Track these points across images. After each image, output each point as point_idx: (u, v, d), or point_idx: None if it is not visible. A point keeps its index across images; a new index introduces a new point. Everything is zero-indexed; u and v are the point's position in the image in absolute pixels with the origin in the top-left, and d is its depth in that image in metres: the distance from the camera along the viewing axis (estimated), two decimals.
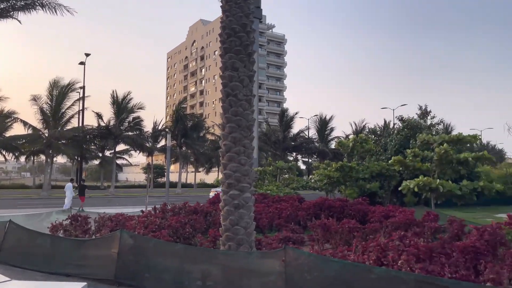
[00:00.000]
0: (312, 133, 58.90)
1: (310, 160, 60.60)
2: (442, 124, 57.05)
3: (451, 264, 5.88)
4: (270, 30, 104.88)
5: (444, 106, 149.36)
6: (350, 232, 9.60)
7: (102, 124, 43.60)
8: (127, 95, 43.52)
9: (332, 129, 57.94)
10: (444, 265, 5.76)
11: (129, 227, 9.43)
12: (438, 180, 18.30)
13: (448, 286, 4.74)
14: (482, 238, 7.12)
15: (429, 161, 20.59)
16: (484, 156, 19.03)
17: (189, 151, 52.02)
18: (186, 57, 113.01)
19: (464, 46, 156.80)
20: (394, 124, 41.25)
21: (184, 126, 47.83)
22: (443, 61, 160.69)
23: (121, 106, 42.94)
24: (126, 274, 7.31)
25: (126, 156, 51.74)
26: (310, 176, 36.82)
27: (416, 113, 34.76)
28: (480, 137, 21.51)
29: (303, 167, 65.14)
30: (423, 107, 35.85)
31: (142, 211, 12.37)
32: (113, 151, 45.36)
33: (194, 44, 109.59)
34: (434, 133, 28.92)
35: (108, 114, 47.93)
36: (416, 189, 18.58)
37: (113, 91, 43.85)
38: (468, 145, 27.78)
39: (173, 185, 50.74)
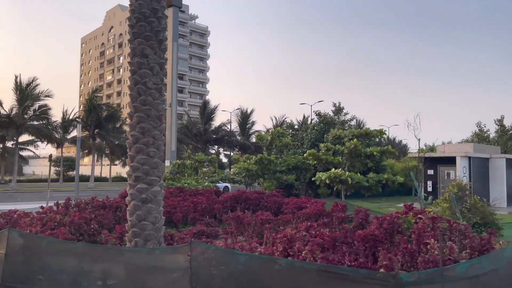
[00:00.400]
0: (234, 126, 59.27)
1: (232, 153, 60.91)
2: (354, 120, 60.89)
3: (351, 253, 6.15)
4: (193, 21, 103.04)
5: (358, 104, 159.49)
6: (263, 224, 9.70)
7: (3, 112, 39.44)
8: (33, 81, 39.76)
9: (253, 123, 58.78)
10: (345, 253, 6.00)
11: (23, 225, 8.53)
12: (347, 172, 19.42)
13: (346, 274, 4.92)
14: (381, 226, 7.57)
15: (340, 154, 21.79)
16: (388, 150, 20.61)
17: (104, 142, 49.26)
18: (103, 44, 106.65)
19: (378, 45, 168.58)
20: (312, 119, 42.96)
21: (98, 116, 45.04)
22: (358, 60, 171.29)
23: (26, 92, 39.12)
24: (16, 277, 6.60)
25: (31, 148, 47.44)
26: (231, 169, 36.98)
27: (331, 110, 36.45)
28: (385, 131, 23.26)
29: (225, 160, 65.28)
30: (337, 104, 37.72)
31: (42, 207, 11.32)
32: (15, 142, 41.27)
33: (111, 30, 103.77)
34: (346, 128, 30.67)
35: (11, 101, 43.45)
36: (328, 181, 19.55)
37: (16, 76, 39.78)
38: (377, 140, 30.01)
39: (85, 179, 47.70)
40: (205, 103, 55.68)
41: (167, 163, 26.74)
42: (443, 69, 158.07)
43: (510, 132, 32.18)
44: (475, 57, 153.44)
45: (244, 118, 57.72)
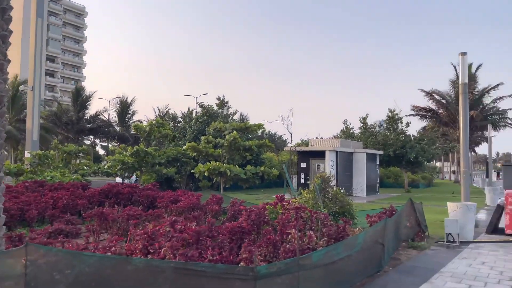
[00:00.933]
0: (113, 115, 55.60)
1: (110, 145, 57.08)
2: (239, 114, 62.24)
3: (216, 246, 5.96)
4: None
5: (245, 100, 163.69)
6: (129, 220, 9.02)
7: None
8: None
9: (134, 113, 55.87)
10: (209, 248, 5.78)
11: None
12: (225, 164, 19.54)
13: (203, 270, 4.68)
14: (249, 218, 7.58)
15: (220, 147, 21.85)
16: (266, 144, 21.32)
17: None
18: None
19: (267, 45, 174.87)
20: (196, 112, 42.60)
21: None
22: (247, 57, 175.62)
23: None
24: None
25: None
26: (104, 162, 34.51)
27: (215, 103, 36.54)
28: (263, 126, 24.05)
29: (102, 152, 60.98)
30: (222, 98, 38.00)
31: None
32: None
33: None
34: (230, 121, 31.02)
35: None
36: (207, 174, 19.43)
37: None
38: (259, 134, 31.07)
39: None
40: (79, 89, 50.85)
41: (26, 154, 23.67)
42: (326, 70, 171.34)
43: (371, 130, 36.08)
44: (351, 61, 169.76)
45: (124, 107, 54.51)
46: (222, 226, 7.08)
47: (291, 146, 16.89)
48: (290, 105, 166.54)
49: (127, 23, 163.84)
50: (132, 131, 52.57)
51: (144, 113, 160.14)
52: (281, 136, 79.37)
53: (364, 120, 36.57)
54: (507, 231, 10.84)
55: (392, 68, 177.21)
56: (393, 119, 33.82)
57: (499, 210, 11.60)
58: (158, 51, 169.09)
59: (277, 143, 64.41)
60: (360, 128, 36.77)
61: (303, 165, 25.61)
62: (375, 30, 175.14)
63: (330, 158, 24.40)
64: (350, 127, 37.55)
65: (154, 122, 22.06)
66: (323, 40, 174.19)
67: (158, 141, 28.72)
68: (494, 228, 11.44)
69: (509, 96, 46.04)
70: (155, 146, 26.85)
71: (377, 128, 36.69)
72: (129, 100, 55.53)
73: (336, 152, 24.86)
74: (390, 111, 34.10)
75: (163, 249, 5.44)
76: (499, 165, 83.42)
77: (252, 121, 63.43)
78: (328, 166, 24.19)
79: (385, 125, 35.37)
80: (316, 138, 38.04)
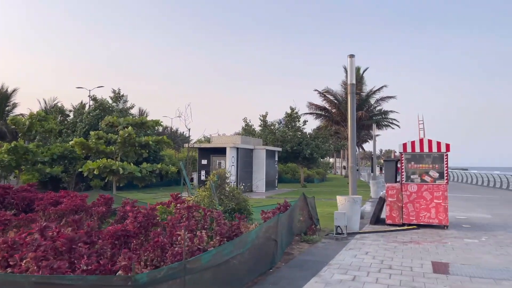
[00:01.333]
0: None
1: None
2: (137, 109, 59.42)
3: (92, 254, 5.29)
4: None
5: (146, 95, 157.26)
6: None
7: None
8: None
9: (15, 105, 49.72)
10: (84, 256, 5.10)
11: None
12: (118, 162, 18.28)
13: (72, 284, 4.05)
14: (136, 220, 6.99)
15: (113, 143, 20.40)
16: (164, 140, 20.47)
17: None
18: None
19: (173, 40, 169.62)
20: (90, 105, 39.51)
21: None
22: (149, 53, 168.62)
23: None
24: None
25: None
26: None
27: (110, 96, 34.28)
28: (162, 122, 23.06)
29: None
30: (117, 91, 35.75)
31: None
32: None
33: None
34: (127, 116, 29.27)
35: None
36: (97, 172, 17.96)
37: None
38: (161, 130, 29.77)
39: None
40: None
41: None
42: (229, 69, 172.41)
43: (271, 127, 37.14)
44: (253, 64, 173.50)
45: (3, 98, 48.24)
46: (104, 230, 6.37)
47: (189, 143, 16.37)
48: (193, 102, 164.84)
49: (10, 7, 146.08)
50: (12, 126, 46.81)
51: (28, 106, 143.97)
52: (183, 132, 77.80)
53: (264, 118, 37.48)
54: (388, 221, 11.79)
55: (293, 69, 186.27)
56: (291, 117, 35.21)
57: (381, 202, 12.59)
58: (47, 40, 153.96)
59: (179, 139, 63.00)
60: (260, 126, 37.62)
61: (204, 162, 25.26)
62: (278, 31, 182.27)
63: (231, 155, 24.43)
64: (251, 125, 38.22)
65: (35, 115, 19.68)
66: (226, 40, 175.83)
67: (43, 137, 25.95)
68: (376, 219, 12.36)
69: (390, 97, 51.19)
70: (39, 142, 24.15)
71: (277, 126, 37.91)
72: (9, 90, 49.32)
73: (237, 148, 24.98)
74: (291, 108, 35.48)
75: (24, 261, 4.62)
76: (382, 160, 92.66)
77: (153, 117, 60.97)
78: (229, 163, 24.19)
79: (283, 122, 36.67)
80: (218, 134, 37.98)
